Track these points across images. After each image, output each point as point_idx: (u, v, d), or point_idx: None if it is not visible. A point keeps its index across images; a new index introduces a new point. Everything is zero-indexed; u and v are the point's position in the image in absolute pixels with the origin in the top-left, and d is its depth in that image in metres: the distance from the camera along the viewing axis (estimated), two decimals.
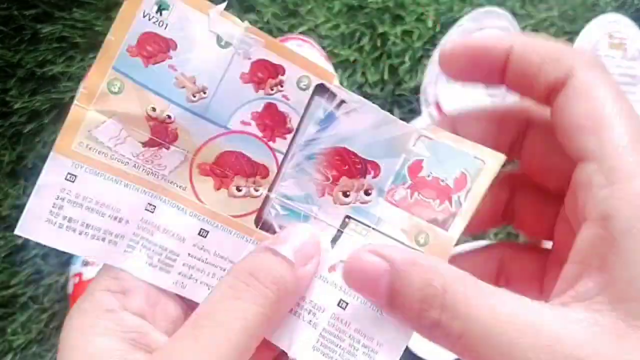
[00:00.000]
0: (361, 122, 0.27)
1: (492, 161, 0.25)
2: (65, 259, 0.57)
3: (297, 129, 0.27)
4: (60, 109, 0.58)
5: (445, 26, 0.57)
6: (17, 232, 0.26)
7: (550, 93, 0.22)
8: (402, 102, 0.58)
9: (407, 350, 0.53)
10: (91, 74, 0.26)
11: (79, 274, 0.51)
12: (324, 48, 0.58)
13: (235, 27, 0.26)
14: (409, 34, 0.58)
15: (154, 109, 0.26)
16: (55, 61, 0.58)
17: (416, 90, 0.57)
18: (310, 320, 0.26)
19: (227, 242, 0.27)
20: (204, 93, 0.26)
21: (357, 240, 0.27)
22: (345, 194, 0.27)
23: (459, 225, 0.26)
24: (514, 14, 0.57)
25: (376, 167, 0.27)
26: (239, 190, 0.27)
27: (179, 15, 0.26)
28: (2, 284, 0.58)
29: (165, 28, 0.26)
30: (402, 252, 0.23)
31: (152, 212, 0.27)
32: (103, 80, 0.26)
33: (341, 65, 0.58)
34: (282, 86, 0.26)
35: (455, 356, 0.55)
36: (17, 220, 0.61)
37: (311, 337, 0.26)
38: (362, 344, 0.25)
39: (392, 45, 0.58)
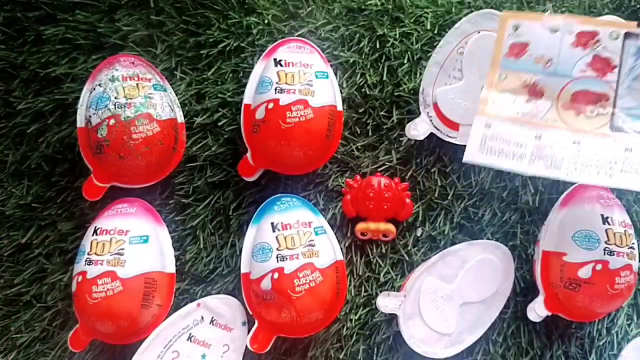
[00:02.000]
0: None
1: None
2: (68, 258, 0.58)
3: (620, 64, 0.42)
4: (64, 109, 0.59)
5: (444, 28, 0.58)
6: (465, 159, 0.46)
7: None
8: (401, 103, 0.58)
9: (405, 347, 0.54)
10: (490, 75, 0.46)
11: (83, 273, 0.51)
12: (323, 50, 0.58)
13: (561, 20, 0.44)
14: (407, 36, 0.59)
15: (526, 81, 0.45)
16: (58, 62, 0.59)
17: (415, 91, 0.58)
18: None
19: (594, 143, 0.43)
20: (551, 61, 0.44)
21: None
22: None
23: None
24: None
25: None
26: (592, 112, 0.43)
27: (525, 28, 0.44)
28: (6, 282, 0.58)
29: (521, 36, 0.44)
30: None
31: (540, 139, 0.44)
32: (495, 76, 0.45)
33: (341, 66, 0.59)
34: (599, 42, 0.43)
35: (448, 353, 0.56)
36: (21, 219, 0.62)
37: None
38: None
39: (391, 47, 0.58)
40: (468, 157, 0.46)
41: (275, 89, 0.53)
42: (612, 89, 0.43)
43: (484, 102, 0.45)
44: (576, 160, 0.43)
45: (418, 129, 0.56)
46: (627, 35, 0.42)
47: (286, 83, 0.53)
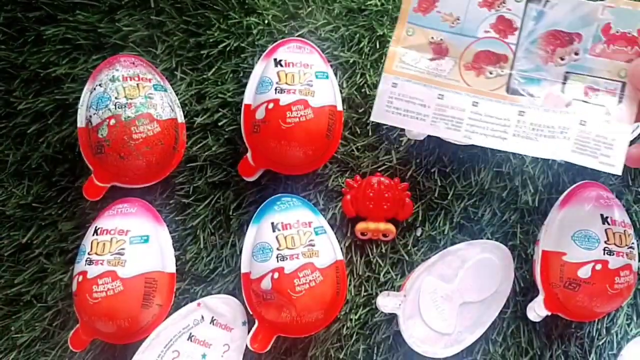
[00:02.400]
0: (562, 10, 0.42)
1: None
2: (68, 258, 0.58)
3: (521, 27, 0.43)
4: (64, 109, 0.59)
5: None
6: (372, 119, 0.45)
7: None
8: None
9: (405, 346, 0.54)
10: (397, 29, 0.45)
11: (83, 273, 0.51)
12: (323, 50, 0.58)
13: None
14: None
15: (432, 38, 0.45)
16: (58, 63, 0.59)
17: None
18: (565, 136, 0.42)
19: (491, 106, 0.44)
20: (458, 20, 0.44)
21: (577, 84, 0.43)
22: (562, 59, 0.43)
23: None
24: None
25: (579, 35, 0.42)
26: (491, 73, 0.44)
27: None
28: (7, 282, 0.59)
29: None
30: None
31: (442, 99, 0.44)
32: (403, 30, 0.45)
33: (341, 67, 0.59)
34: (505, 3, 0.44)
35: (448, 352, 0.56)
36: (21, 219, 0.62)
37: (568, 145, 0.42)
38: (602, 142, 0.41)
39: None
40: (375, 117, 0.45)
41: (276, 89, 0.53)
42: (511, 51, 0.44)
43: (392, 59, 0.45)
44: (474, 123, 0.44)
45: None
46: None
47: (286, 83, 0.53)
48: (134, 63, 0.56)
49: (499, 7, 0.44)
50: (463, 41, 0.45)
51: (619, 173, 0.40)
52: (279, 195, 0.57)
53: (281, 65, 0.54)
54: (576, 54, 0.43)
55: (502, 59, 0.44)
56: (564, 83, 0.43)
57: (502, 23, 0.44)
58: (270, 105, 0.53)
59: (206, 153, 0.58)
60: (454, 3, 0.44)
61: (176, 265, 0.57)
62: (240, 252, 0.56)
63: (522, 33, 0.44)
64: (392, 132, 0.58)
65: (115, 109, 0.53)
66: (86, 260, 0.52)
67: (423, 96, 0.45)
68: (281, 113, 0.52)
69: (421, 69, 0.45)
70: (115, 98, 0.53)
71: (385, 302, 0.54)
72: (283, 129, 0.52)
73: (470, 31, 0.44)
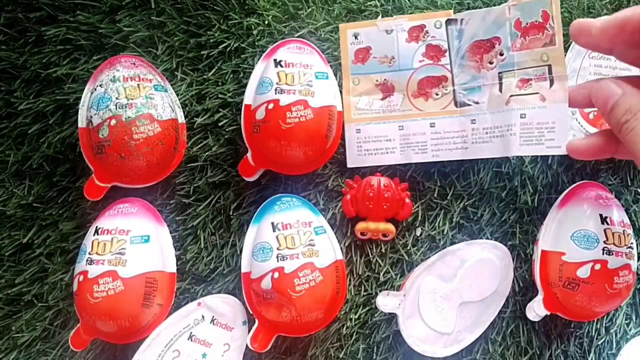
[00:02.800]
0: (475, 23, 0.47)
1: None
2: (69, 258, 0.58)
3: (448, 48, 0.49)
4: (65, 110, 0.59)
5: None
6: (349, 165, 0.53)
7: None
8: None
9: (405, 346, 0.54)
10: (344, 83, 0.52)
11: (84, 272, 0.52)
12: (323, 51, 0.58)
13: (392, 21, 0.50)
14: None
15: (377, 80, 0.50)
16: (59, 63, 0.59)
17: None
18: (511, 133, 0.45)
19: (446, 122, 0.49)
20: (394, 59, 0.50)
21: (512, 80, 0.46)
22: (490, 63, 0.47)
23: (559, 37, 0.43)
24: None
25: (497, 39, 0.46)
26: (437, 95, 0.49)
27: (363, 34, 0.51)
28: (7, 282, 0.59)
29: (362, 43, 0.51)
30: (627, 85, 0.38)
31: (403, 129, 0.50)
32: (349, 82, 0.51)
33: (340, 67, 0.59)
34: (428, 32, 0.49)
35: (448, 352, 0.56)
36: (22, 219, 0.62)
37: (516, 141, 0.45)
38: (544, 128, 0.44)
39: None
40: (351, 164, 0.51)
41: (276, 90, 0.53)
42: (448, 71, 0.49)
43: (348, 109, 0.50)
44: (437, 142, 0.49)
45: None
46: (448, 22, 0.48)
47: (286, 84, 0.53)
48: (134, 63, 0.57)
49: (424, 37, 0.49)
50: (404, 75, 0.49)
51: (566, 152, 0.42)
52: (279, 195, 0.57)
53: (281, 66, 0.55)
54: (501, 54, 0.47)
55: (443, 79, 0.49)
56: (500, 83, 0.47)
57: (432, 50, 0.49)
58: (270, 106, 0.53)
59: (206, 153, 0.59)
60: (385, 46, 0.50)
61: (177, 265, 0.57)
62: (241, 252, 0.56)
63: (452, 53, 0.49)
64: None
65: (116, 109, 0.53)
66: (87, 260, 0.52)
67: (386, 132, 0.50)
68: (281, 113, 0.53)
69: (376, 110, 0.50)
70: (116, 98, 0.53)
71: (385, 301, 0.54)
72: (283, 129, 0.53)
73: (407, 65, 0.50)
